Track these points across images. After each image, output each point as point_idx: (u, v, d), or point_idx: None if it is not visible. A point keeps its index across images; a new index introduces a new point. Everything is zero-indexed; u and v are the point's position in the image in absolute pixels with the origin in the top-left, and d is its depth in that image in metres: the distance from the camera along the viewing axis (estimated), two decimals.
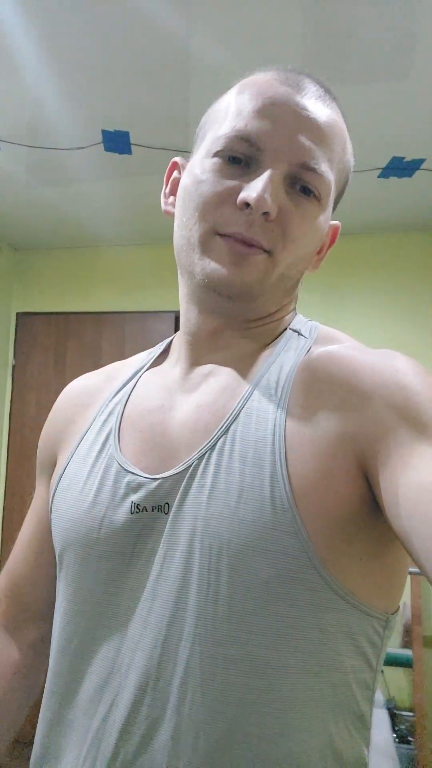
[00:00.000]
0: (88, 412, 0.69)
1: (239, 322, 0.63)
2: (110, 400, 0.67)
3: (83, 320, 3.24)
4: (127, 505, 0.57)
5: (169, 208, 0.67)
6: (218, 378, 0.61)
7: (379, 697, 2.19)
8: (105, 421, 0.65)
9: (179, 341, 0.68)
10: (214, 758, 0.48)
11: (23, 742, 0.78)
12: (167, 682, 0.50)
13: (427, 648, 2.05)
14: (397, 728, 2.40)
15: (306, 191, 0.57)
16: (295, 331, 0.64)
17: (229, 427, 0.55)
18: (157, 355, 0.72)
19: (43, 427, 0.75)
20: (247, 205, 0.54)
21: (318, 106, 0.58)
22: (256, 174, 0.55)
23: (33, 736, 0.61)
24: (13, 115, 2.00)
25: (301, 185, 0.57)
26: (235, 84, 0.62)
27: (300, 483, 0.51)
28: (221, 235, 0.57)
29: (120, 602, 0.56)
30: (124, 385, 0.69)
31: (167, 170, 0.68)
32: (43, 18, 1.56)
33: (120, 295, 3.17)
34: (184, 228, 0.60)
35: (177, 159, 0.67)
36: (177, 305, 0.68)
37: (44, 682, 0.63)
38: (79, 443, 0.65)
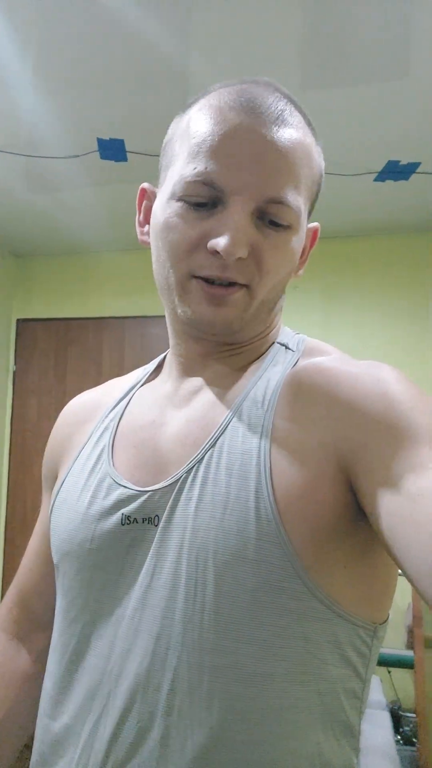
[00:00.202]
0: (86, 428, 0.70)
1: (225, 346, 0.64)
2: (106, 416, 0.69)
3: (83, 326, 3.26)
4: (117, 517, 0.58)
5: (145, 238, 0.67)
6: (207, 393, 0.62)
7: (381, 698, 2.18)
8: (100, 436, 0.67)
9: (170, 359, 0.70)
10: (201, 764, 0.49)
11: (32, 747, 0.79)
12: (156, 690, 0.51)
13: (428, 649, 2.04)
14: (401, 730, 2.39)
15: (276, 224, 0.56)
16: (282, 344, 0.65)
17: (217, 440, 0.57)
18: (151, 371, 0.74)
19: (43, 431, 0.77)
20: (218, 251, 0.54)
21: (278, 131, 0.55)
22: (223, 214, 0.55)
23: None
24: (10, 125, 2.02)
25: (269, 219, 0.56)
26: (198, 97, 0.60)
27: (284, 494, 0.51)
28: (197, 278, 0.57)
29: (112, 611, 0.57)
30: (119, 402, 0.71)
31: (137, 198, 0.67)
32: (38, 27, 1.57)
33: (119, 301, 3.19)
34: (161, 268, 0.61)
35: (145, 186, 0.66)
36: None
37: None
38: (76, 458, 0.67)
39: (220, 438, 0.57)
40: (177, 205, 0.57)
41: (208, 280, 0.57)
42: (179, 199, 0.57)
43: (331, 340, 0.66)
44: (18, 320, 3.35)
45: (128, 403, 0.70)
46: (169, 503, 0.56)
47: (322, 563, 0.51)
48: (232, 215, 0.54)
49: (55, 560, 0.64)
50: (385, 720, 2.02)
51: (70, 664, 0.59)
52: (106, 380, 0.80)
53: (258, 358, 0.64)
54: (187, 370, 0.66)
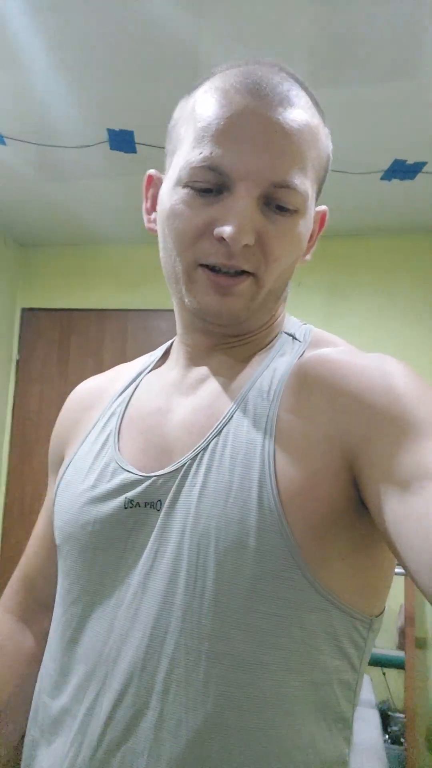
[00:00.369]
0: (92, 414, 0.71)
1: (232, 337, 0.64)
2: (113, 402, 0.70)
3: (87, 317, 3.26)
4: (120, 500, 0.59)
5: (152, 225, 0.66)
6: (214, 382, 0.63)
7: (371, 697, 2.20)
8: (107, 422, 0.67)
9: (177, 346, 0.70)
10: (194, 747, 0.50)
11: None
12: (152, 673, 0.52)
13: (419, 649, 2.05)
14: (390, 730, 2.41)
15: (282, 209, 0.56)
16: (289, 335, 0.65)
17: (222, 428, 0.57)
18: (158, 357, 0.74)
19: (44, 421, 0.78)
20: (224, 238, 0.54)
21: (284, 113, 0.54)
22: (229, 200, 0.54)
23: None
24: (21, 113, 2.02)
25: (276, 204, 0.55)
26: (204, 80, 0.60)
27: (287, 484, 0.52)
28: (204, 266, 0.57)
29: (111, 594, 0.57)
30: (126, 388, 0.71)
31: (144, 185, 0.67)
32: (51, 17, 1.57)
33: (123, 293, 3.19)
34: (167, 257, 0.61)
35: (151, 172, 0.66)
36: None
37: None
38: (83, 443, 0.68)
39: (226, 427, 0.57)
40: (183, 192, 0.57)
41: (215, 269, 0.57)
42: (185, 186, 0.56)
43: None
44: (23, 309, 3.34)
45: (135, 390, 0.70)
46: (173, 489, 0.56)
47: (321, 555, 0.52)
48: (238, 201, 0.54)
49: (57, 541, 0.65)
50: (374, 718, 2.03)
51: (69, 644, 0.59)
52: None
53: (264, 347, 0.64)
54: (194, 359, 0.66)
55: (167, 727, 0.50)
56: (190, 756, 0.49)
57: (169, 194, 0.59)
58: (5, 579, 0.82)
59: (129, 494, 0.58)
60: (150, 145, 2.14)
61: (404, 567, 0.45)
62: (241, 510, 0.52)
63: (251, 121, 0.54)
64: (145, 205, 0.68)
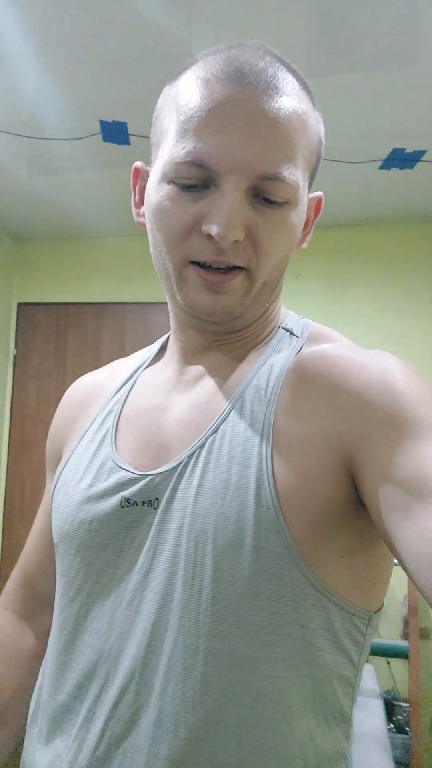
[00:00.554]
0: (90, 410, 0.70)
1: (227, 334, 0.63)
2: (110, 399, 0.69)
3: (83, 311, 3.25)
4: (117, 499, 0.58)
5: (141, 219, 0.64)
6: (211, 379, 0.62)
7: (375, 687, 2.21)
8: (104, 420, 0.67)
9: (173, 342, 0.69)
10: (193, 744, 0.50)
11: None
12: (152, 671, 0.52)
13: (423, 639, 2.06)
14: (395, 719, 2.43)
15: (271, 201, 0.54)
16: (287, 330, 0.64)
17: (219, 426, 0.56)
18: (155, 352, 0.73)
19: (43, 416, 0.77)
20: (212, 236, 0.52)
21: (269, 100, 0.52)
22: (215, 195, 0.52)
23: None
24: (11, 106, 2.00)
25: (264, 196, 0.53)
26: (186, 67, 0.58)
27: (285, 482, 0.51)
28: (194, 263, 0.56)
29: (110, 593, 0.57)
30: (123, 384, 0.70)
31: (131, 178, 0.65)
32: (40, 8, 1.55)
33: (120, 286, 3.18)
34: (158, 253, 0.59)
35: (138, 165, 0.64)
36: None
37: None
38: (80, 441, 0.67)
39: (223, 424, 0.56)
40: (168, 188, 0.55)
41: (205, 266, 0.55)
42: (170, 182, 0.54)
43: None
44: (19, 304, 3.34)
45: (132, 387, 0.69)
46: (170, 487, 0.56)
47: (319, 552, 0.51)
48: (225, 196, 0.52)
49: (55, 540, 0.65)
50: (378, 708, 2.05)
51: (67, 643, 0.60)
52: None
53: (261, 342, 0.63)
54: (189, 356, 0.65)
55: (166, 724, 0.51)
56: (189, 752, 0.50)
57: (156, 190, 0.57)
58: (5, 575, 0.81)
59: (125, 493, 0.58)
60: (143, 137, 2.12)
61: (402, 566, 0.45)
62: (238, 508, 0.51)
63: (235, 112, 0.51)
64: (134, 198, 0.66)
